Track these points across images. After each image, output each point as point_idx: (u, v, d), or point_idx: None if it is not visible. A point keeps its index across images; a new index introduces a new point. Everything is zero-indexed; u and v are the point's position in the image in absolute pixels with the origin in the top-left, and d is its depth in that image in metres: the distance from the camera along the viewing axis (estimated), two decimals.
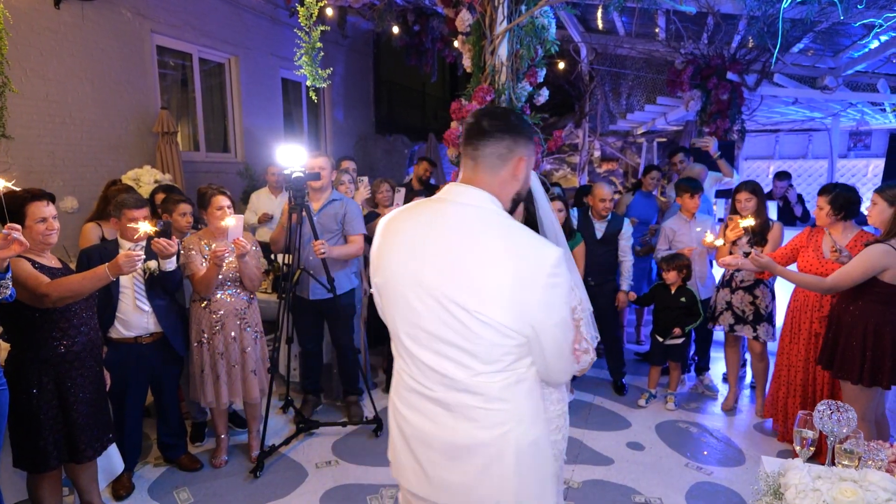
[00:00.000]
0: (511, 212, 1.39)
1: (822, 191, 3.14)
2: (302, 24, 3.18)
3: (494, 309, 1.22)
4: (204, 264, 3.06)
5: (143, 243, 2.87)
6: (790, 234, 3.90)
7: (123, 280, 2.88)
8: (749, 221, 3.18)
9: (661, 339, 4.04)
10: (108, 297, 2.87)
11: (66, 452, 2.40)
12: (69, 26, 4.94)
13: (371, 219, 4.27)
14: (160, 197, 3.62)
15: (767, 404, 3.57)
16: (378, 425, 3.59)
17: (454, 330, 1.26)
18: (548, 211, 1.64)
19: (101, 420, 2.51)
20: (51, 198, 2.39)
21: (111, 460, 2.77)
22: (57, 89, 4.86)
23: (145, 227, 2.57)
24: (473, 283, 1.23)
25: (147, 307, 2.94)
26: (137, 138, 5.58)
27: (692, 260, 4.06)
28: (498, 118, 1.32)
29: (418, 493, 1.42)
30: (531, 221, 1.60)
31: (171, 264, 2.86)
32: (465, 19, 4.16)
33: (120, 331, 2.90)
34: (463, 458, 1.32)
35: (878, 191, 2.74)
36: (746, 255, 2.99)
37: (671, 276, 3.99)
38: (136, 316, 2.91)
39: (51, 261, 2.45)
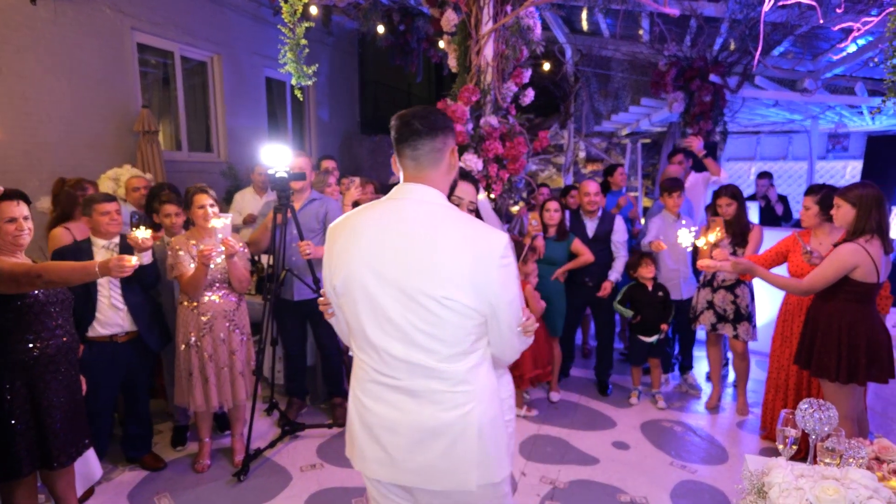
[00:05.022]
0: (448, 197, 1.55)
1: (809, 191, 3.16)
2: (286, 21, 3.15)
3: (458, 292, 1.36)
4: (192, 265, 3.01)
5: (117, 240, 2.86)
6: (771, 234, 3.96)
7: (99, 279, 2.83)
8: (716, 234, 3.12)
9: (648, 340, 4.05)
10: (86, 296, 2.87)
11: (39, 459, 2.34)
12: (46, 22, 4.83)
13: None
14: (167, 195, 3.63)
15: (765, 409, 3.56)
16: None
17: (421, 317, 1.38)
18: (487, 208, 1.93)
19: (76, 425, 2.44)
20: (22, 197, 2.33)
21: (89, 466, 2.71)
22: (33, 87, 4.75)
23: (143, 233, 2.60)
24: (437, 271, 1.36)
25: (122, 305, 2.96)
26: (117, 137, 5.48)
27: (663, 258, 4.14)
28: (427, 117, 1.45)
29: (384, 480, 1.52)
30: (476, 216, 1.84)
31: (146, 257, 2.88)
32: (450, 19, 4.15)
33: (97, 329, 2.91)
34: (429, 441, 1.43)
35: (839, 194, 2.74)
36: (732, 254, 3.01)
37: (651, 270, 4.03)
38: (111, 314, 2.94)
39: (25, 262, 2.38)
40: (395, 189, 1.49)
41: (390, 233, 1.41)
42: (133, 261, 2.29)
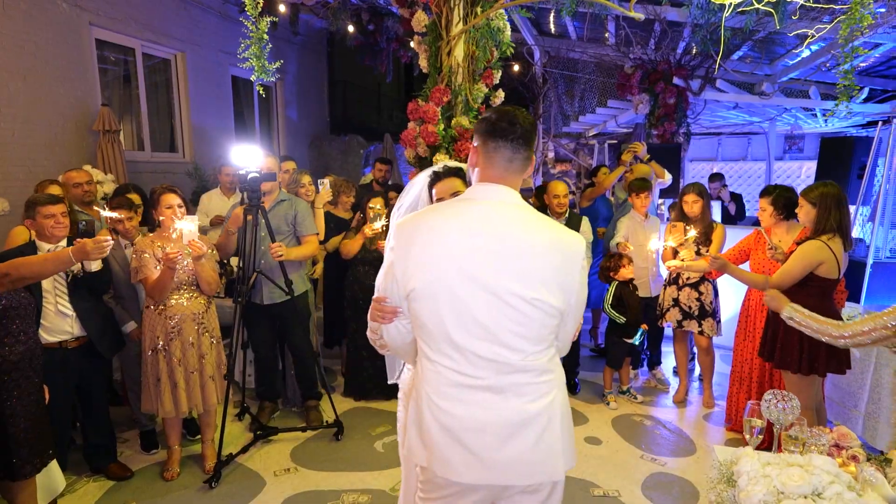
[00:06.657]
0: None
1: (764, 193, 3.30)
2: (248, 14, 3.10)
3: (547, 293, 1.40)
4: (158, 267, 2.93)
5: (64, 243, 2.79)
6: (730, 232, 4.09)
7: (45, 284, 2.76)
8: (692, 233, 3.25)
9: (630, 340, 4.00)
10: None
11: (2, 469, 2.24)
12: None
13: (329, 219, 4.21)
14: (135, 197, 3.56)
15: (729, 401, 3.67)
16: (339, 429, 3.54)
17: (510, 318, 1.39)
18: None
19: (40, 435, 2.35)
20: None
21: (52, 477, 2.60)
22: None
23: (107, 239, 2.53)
24: (529, 273, 1.39)
25: (69, 311, 2.84)
26: (76, 136, 5.29)
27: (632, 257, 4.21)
28: (531, 127, 1.47)
29: (470, 482, 1.44)
30: None
31: (95, 265, 2.79)
32: (421, 20, 4.16)
33: (44, 337, 2.77)
34: (517, 434, 1.42)
35: (802, 194, 2.85)
36: (697, 253, 3.10)
37: (632, 270, 4.03)
38: (58, 320, 2.82)
39: None
40: (472, 190, 1.50)
41: (480, 235, 1.40)
42: (109, 239, 2.26)
